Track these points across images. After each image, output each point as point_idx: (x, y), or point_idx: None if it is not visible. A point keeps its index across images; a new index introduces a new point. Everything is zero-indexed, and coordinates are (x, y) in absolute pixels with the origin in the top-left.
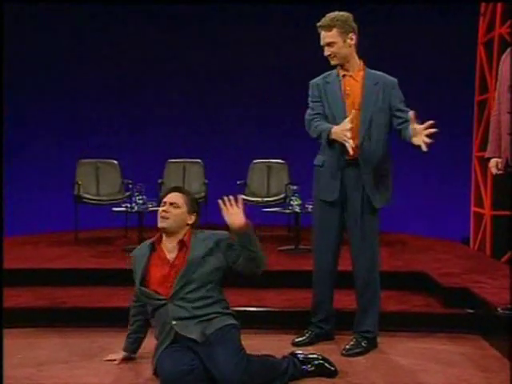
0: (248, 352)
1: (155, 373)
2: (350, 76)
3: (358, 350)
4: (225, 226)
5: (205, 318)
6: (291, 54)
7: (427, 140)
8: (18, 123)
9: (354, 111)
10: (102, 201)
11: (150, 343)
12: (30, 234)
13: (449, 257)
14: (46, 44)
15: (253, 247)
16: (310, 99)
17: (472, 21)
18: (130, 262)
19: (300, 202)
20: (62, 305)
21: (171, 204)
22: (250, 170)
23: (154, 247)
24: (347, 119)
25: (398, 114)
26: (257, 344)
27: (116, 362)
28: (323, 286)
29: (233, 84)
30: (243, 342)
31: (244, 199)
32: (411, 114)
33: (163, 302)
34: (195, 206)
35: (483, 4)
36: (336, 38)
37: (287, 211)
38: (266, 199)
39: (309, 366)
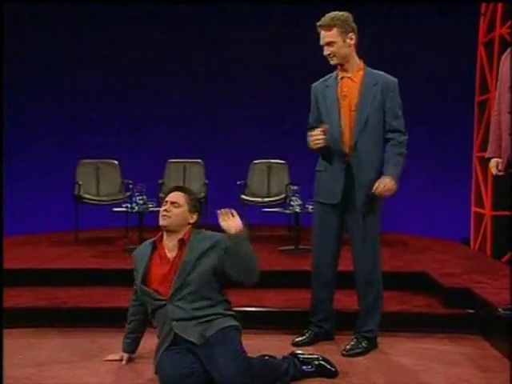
0: (248, 352)
1: (157, 372)
2: (349, 77)
3: (358, 351)
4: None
5: (204, 319)
6: (291, 53)
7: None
8: (19, 123)
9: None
10: (103, 201)
11: (150, 343)
12: (30, 234)
13: (449, 257)
14: (45, 44)
15: (247, 256)
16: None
17: (472, 21)
18: (132, 261)
19: (300, 202)
20: (62, 305)
21: (172, 203)
22: (250, 170)
23: (155, 246)
24: (318, 129)
25: (389, 135)
26: (257, 344)
27: (124, 363)
28: (321, 286)
29: (233, 84)
30: (243, 342)
31: (244, 199)
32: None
33: (163, 302)
34: (197, 205)
35: (484, 4)
36: (336, 37)
37: (287, 211)
38: (266, 199)
39: (309, 366)
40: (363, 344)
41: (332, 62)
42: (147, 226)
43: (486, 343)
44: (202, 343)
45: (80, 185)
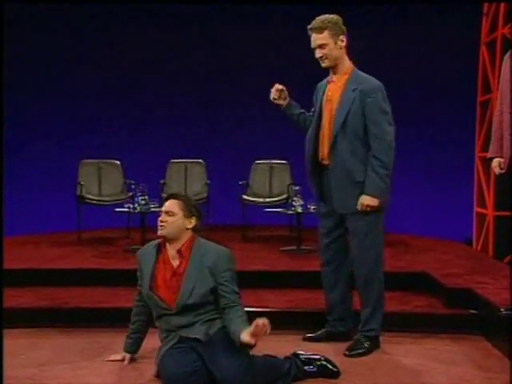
0: (250, 352)
1: (158, 375)
2: (334, 81)
3: (360, 351)
4: (226, 226)
5: (207, 318)
6: (291, 53)
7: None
8: (20, 123)
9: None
10: (105, 201)
11: (152, 343)
12: (32, 234)
13: (451, 257)
14: (45, 44)
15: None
16: None
17: (475, 21)
18: (135, 260)
19: (302, 202)
20: (64, 305)
21: (166, 213)
22: (252, 171)
23: (159, 249)
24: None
25: (370, 142)
26: (258, 344)
27: (126, 363)
28: (327, 288)
29: (234, 84)
30: None
31: (246, 199)
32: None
33: (167, 312)
34: (193, 209)
35: (486, 4)
36: (327, 39)
37: (289, 212)
38: (268, 200)
39: (311, 366)
40: (365, 344)
41: (323, 65)
42: (149, 226)
43: (487, 343)
44: (206, 340)
45: (82, 185)
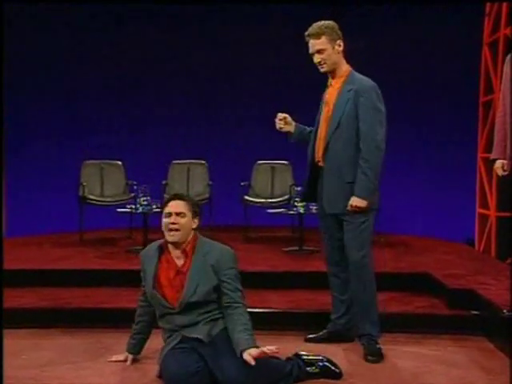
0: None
1: (160, 375)
2: (331, 85)
3: (379, 352)
4: (228, 227)
5: (210, 318)
6: (291, 53)
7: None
8: (22, 124)
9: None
10: (107, 202)
11: (154, 344)
12: (34, 234)
13: (453, 258)
14: (45, 44)
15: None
16: None
17: (477, 21)
18: (139, 261)
19: (304, 203)
20: (66, 305)
21: (178, 214)
22: (254, 171)
23: (162, 250)
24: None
25: (360, 143)
26: (260, 345)
27: (128, 364)
28: (333, 286)
29: (235, 84)
30: None
31: (248, 200)
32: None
33: (171, 311)
34: (197, 209)
35: (488, 4)
36: (325, 44)
37: (291, 212)
38: (270, 200)
39: (313, 367)
40: (377, 345)
41: (322, 70)
42: (151, 226)
43: (490, 345)
44: (208, 341)
45: (84, 185)
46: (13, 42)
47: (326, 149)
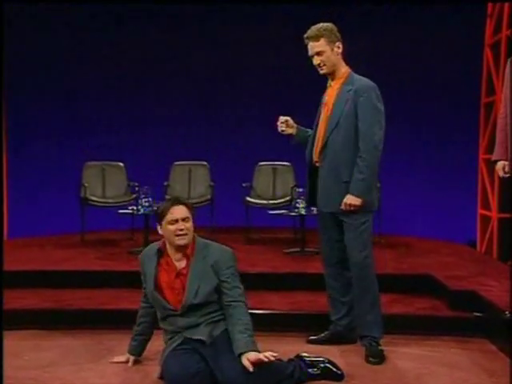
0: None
1: (161, 376)
2: (331, 86)
3: (381, 354)
4: (229, 228)
5: (211, 319)
6: (291, 53)
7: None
8: (23, 125)
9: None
10: (108, 203)
11: (156, 345)
12: (36, 236)
13: (455, 259)
14: (45, 44)
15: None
16: None
17: (479, 23)
18: (139, 263)
19: (306, 204)
20: (68, 307)
21: (183, 220)
22: (255, 173)
23: (161, 253)
24: (281, 118)
25: (359, 142)
26: (261, 347)
27: (129, 365)
28: (332, 288)
29: (236, 85)
30: None
31: (250, 201)
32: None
33: (173, 312)
34: (194, 212)
35: (490, 6)
36: (324, 46)
37: (293, 214)
38: (271, 202)
39: (315, 369)
40: (379, 347)
41: (322, 72)
42: (153, 228)
43: (492, 346)
44: (209, 342)
45: (86, 187)
46: (13, 42)
47: (323, 148)
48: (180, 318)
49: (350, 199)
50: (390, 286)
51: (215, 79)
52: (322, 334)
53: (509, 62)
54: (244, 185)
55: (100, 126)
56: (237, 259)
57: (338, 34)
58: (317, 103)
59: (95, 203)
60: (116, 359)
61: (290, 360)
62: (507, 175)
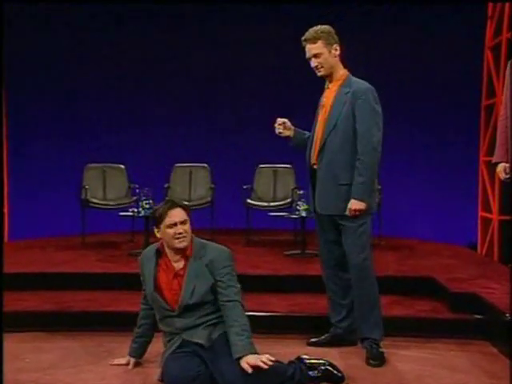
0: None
1: (161, 379)
2: (328, 88)
3: (382, 356)
4: (230, 230)
5: (210, 322)
6: (291, 53)
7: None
8: (24, 127)
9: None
10: (109, 205)
11: (156, 347)
12: (37, 238)
13: (456, 262)
14: (45, 44)
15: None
16: None
17: (479, 25)
18: (138, 265)
19: (306, 206)
20: (68, 309)
21: (182, 223)
22: (256, 175)
23: (159, 254)
24: (278, 120)
25: (357, 144)
26: (261, 349)
27: (130, 367)
28: (331, 290)
29: (237, 88)
30: None
31: (250, 204)
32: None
33: (171, 313)
34: (190, 213)
35: (491, 8)
36: (322, 49)
37: (293, 216)
38: (272, 204)
39: (315, 371)
40: (380, 349)
41: (319, 74)
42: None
43: (493, 349)
44: (208, 345)
45: (87, 189)
46: (13, 42)
47: (321, 150)
48: (177, 318)
49: (355, 204)
50: (390, 287)
51: (215, 81)
52: (323, 337)
53: (509, 65)
54: (244, 187)
55: (100, 128)
56: (234, 259)
57: (335, 37)
58: (317, 105)
59: (96, 205)
60: (116, 361)
61: (291, 362)
62: (507, 177)
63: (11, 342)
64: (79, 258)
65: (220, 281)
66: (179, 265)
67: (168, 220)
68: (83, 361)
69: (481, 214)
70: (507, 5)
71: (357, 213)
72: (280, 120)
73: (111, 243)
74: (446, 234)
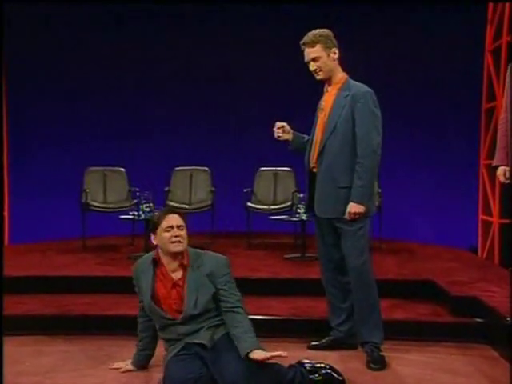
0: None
1: (163, 383)
2: (328, 91)
3: (383, 359)
4: (230, 234)
5: (212, 324)
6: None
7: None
8: (24, 130)
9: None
10: (109, 208)
11: (158, 350)
12: (37, 241)
13: (456, 265)
14: (45, 44)
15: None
16: None
17: (479, 28)
18: (133, 276)
19: (306, 210)
20: (69, 312)
21: (179, 227)
22: (256, 178)
23: (156, 263)
24: (277, 124)
25: (357, 147)
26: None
27: (121, 371)
28: (331, 294)
29: (238, 90)
30: None
31: (251, 207)
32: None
33: (170, 322)
34: (187, 221)
35: (491, 12)
36: (320, 52)
37: (294, 219)
38: (272, 207)
39: (316, 375)
40: (380, 353)
41: (318, 77)
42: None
43: (494, 353)
44: (211, 346)
45: (87, 192)
46: (13, 42)
47: (320, 153)
48: (180, 326)
49: (354, 207)
50: (391, 291)
51: (216, 83)
52: (323, 340)
53: (509, 68)
54: (245, 190)
55: (100, 131)
56: (231, 265)
57: (334, 41)
58: (317, 108)
59: (96, 208)
60: (116, 365)
61: (291, 366)
62: (508, 181)
63: (11, 345)
64: (79, 262)
65: (222, 289)
66: (177, 275)
67: (165, 223)
68: (83, 364)
69: (481, 217)
70: (507, 8)
71: (356, 216)
72: (279, 124)
73: (111, 246)
74: (447, 237)
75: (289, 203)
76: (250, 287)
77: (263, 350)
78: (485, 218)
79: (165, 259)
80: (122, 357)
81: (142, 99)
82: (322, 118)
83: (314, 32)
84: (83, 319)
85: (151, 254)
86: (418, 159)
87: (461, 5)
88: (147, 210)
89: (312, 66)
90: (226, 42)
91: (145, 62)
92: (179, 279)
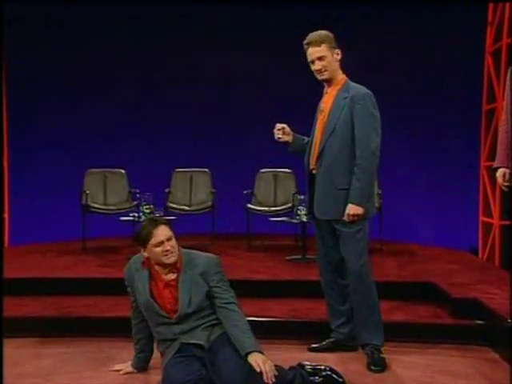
0: None
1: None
2: (327, 93)
3: (383, 361)
4: (230, 235)
5: (208, 324)
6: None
7: None
8: (24, 131)
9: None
10: (110, 210)
11: (156, 352)
12: (37, 243)
13: (457, 267)
14: (45, 44)
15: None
16: None
17: (480, 30)
18: (125, 279)
19: (307, 213)
20: (69, 314)
21: (168, 240)
22: (256, 180)
23: (146, 265)
24: (278, 125)
25: (356, 149)
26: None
27: (121, 373)
28: (330, 296)
29: (238, 92)
30: None
31: (251, 208)
32: None
33: (166, 320)
34: (172, 227)
35: (491, 13)
36: (326, 52)
37: (294, 221)
38: (272, 208)
39: (316, 377)
40: (381, 355)
41: (322, 77)
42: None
43: (495, 355)
44: (208, 346)
45: (87, 194)
46: (13, 42)
47: (320, 154)
48: (175, 325)
49: (352, 209)
50: (391, 293)
51: (216, 84)
52: (324, 342)
53: (509, 71)
54: (245, 192)
55: (101, 133)
56: (222, 264)
57: (335, 43)
58: (316, 109)
59: (97, 210)
60: (117, 367)
61: (292, 368)
62: (506, 183)
63: (11, 347)
64: (80, 263)
65: (216, 286)
66: (170, 276)
67: (154, 240)
68: (83, 366)
69: (482, 218)
70: (507, 10)
71: (354, 218)
72: (279, 125)
73: (112, 248)
74: (447, 238)
75: (289, 205)
76: (251, 289)
77: (262, 351)
78: (485, 219)
79: (157, 267)
80: (122, 359)
81: (142, 100)
82: (321, 119)
83: (317, 32)
84: (83, 321)
85: (139, 257)
86: (419, 160)
87: (461, 6)
88: (147, 211)
89: (317, 66)
90: (225, 43)
91: (145, 63)
92: (172, 279)
